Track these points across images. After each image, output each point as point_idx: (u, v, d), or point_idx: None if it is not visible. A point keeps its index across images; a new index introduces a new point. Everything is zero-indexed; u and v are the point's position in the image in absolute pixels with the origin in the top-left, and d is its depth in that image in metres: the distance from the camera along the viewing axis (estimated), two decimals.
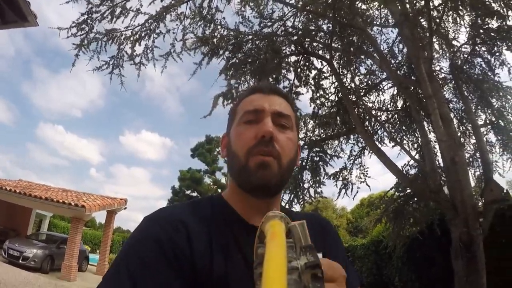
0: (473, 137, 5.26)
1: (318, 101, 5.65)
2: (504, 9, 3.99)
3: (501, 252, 5.33)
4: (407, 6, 4.06)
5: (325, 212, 20.36)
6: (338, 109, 5.55)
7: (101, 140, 76.14)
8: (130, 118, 74.97)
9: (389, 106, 6.00)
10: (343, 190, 5.62)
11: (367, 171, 5.74)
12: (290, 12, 5.34)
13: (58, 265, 9.76)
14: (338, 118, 5.61)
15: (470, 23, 4.92)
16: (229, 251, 0.55)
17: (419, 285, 7.55)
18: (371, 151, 5.34)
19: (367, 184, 5.64)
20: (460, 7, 4.46)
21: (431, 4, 3.96)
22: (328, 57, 4.96)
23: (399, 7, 4.03)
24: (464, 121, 5.63)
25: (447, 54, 5.54)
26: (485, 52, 5.04)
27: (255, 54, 4.87)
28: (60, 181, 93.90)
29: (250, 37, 4.95)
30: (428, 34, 4.04)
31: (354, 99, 5.34)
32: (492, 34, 4.53)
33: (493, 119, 5.16)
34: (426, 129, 4.82)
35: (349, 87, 5.47)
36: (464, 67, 5.17)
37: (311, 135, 5.76)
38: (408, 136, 5.96)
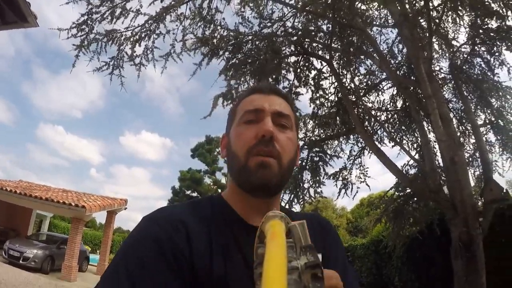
0: (473, 137, 5.26)
1: (317, 101, 5.65)
2: (504, 9, 4.00)
3: (501, 252, 5.34)
4: (407, 6, 4.06)
5: (325, 212, 20.35)
6: (338, 109, 5.55)
7: (101, 141, 76.31)
8: (130, 118, 75.23)
9: (388, 106, 6.01)
10: (343, 190, 5.64)
11: (366, 171, 5.76)
12: (290, 12, 5.34)
13: (59, 266, 9.74)
14: (337, 118, 5.61)
15: (469, 23, 4.93)
16: (229, 251, 0.54)
17: (419, 284, 7.56)
18: (370, 151, 5.34)
19: (367, 184, 5.66)
20: (460, 7, 4.46)
21: (430, 4, 3.97)
22: (327, 57, 4.97)
23: (399, 8, 4.03)
24: (464, 121, 5.63)
25: (447, 54, 5.54)
26: (485, 52, 5.05)
27: (255, 55, 4.87)
28: (60, 182, 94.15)
29: (250, 37, 4.95)
30: (427, 34, 4.04)
31: (354, 99, 5.35)
32: (492, 34, 4.53)
33: (493, 119, 5.17)
34: (426, 129, 4.83)
35: (348, 87, 5.47)
36: (464, 67, 5.17)
37: (311, 135, 5.77)
38: (407, 136, 5.97)
